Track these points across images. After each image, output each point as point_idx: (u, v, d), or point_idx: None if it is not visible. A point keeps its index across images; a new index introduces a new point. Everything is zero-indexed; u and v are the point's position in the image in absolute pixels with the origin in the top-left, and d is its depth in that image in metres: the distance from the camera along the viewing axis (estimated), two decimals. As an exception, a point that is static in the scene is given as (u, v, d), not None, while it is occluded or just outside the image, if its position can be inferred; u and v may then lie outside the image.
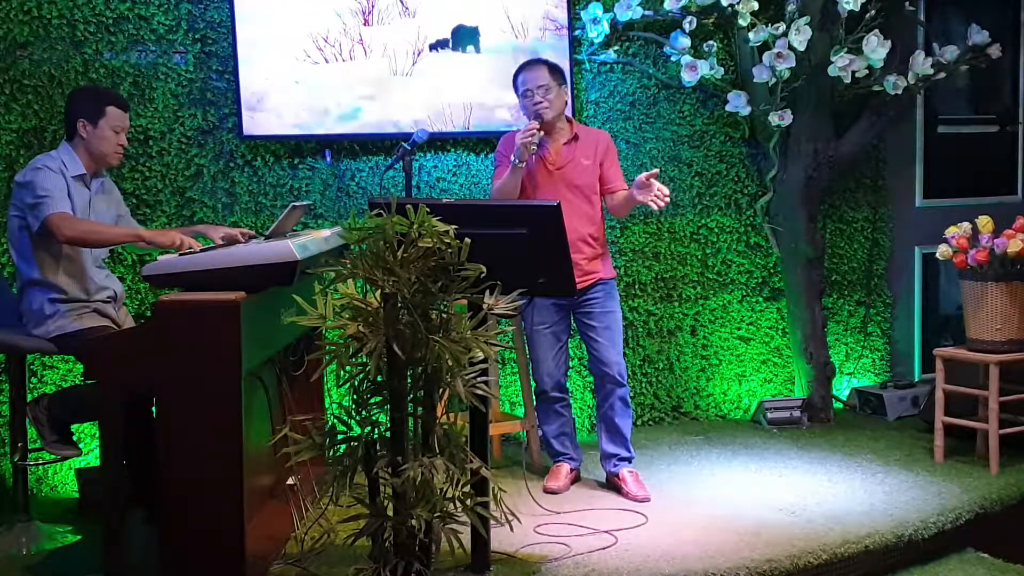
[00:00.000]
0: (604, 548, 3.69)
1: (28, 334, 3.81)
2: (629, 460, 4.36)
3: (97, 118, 3.83)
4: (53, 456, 3.86)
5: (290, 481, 3.76)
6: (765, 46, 5.09)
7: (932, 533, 3.98)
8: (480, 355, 3.14)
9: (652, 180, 4.04)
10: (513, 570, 3.50)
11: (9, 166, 4.40)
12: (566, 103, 4.38)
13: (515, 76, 4.32)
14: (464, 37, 4.97)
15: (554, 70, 4.29)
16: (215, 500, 3.14)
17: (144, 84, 4.62)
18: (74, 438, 3.92)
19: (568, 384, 4.45)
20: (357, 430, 3.16)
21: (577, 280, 4.03)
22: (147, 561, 3.40)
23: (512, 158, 4.18)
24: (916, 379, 5.94)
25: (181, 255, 3.41)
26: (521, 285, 3.30)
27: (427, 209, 3.05)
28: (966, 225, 4.73)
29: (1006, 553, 4.10)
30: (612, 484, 4.36)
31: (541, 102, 4.22)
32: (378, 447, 3.15)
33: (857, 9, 5.04)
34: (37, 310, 3.78)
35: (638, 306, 5.44)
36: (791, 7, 5.18)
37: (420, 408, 3.18)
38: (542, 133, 4.21)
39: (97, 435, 4.17)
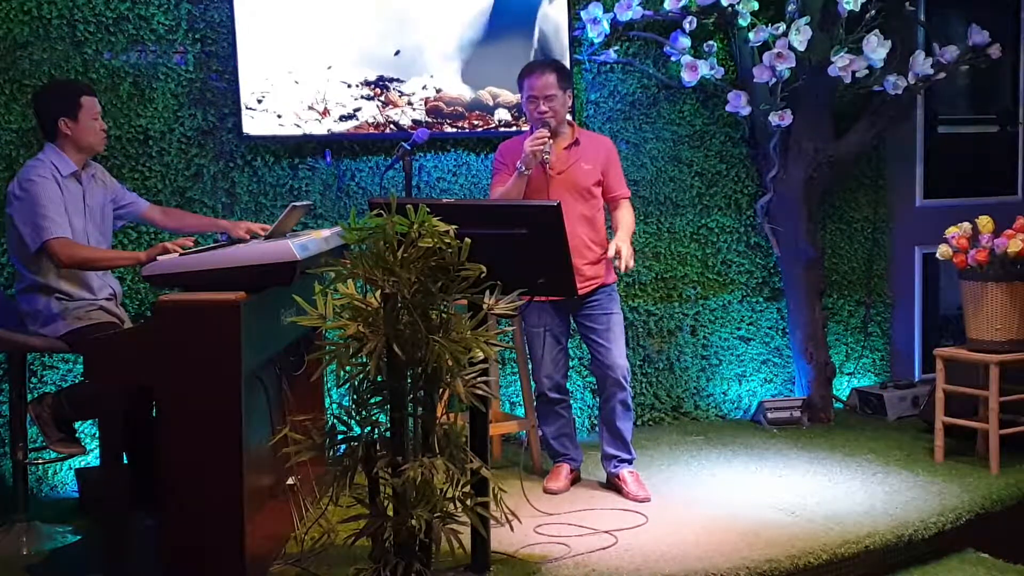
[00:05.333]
0: (604, 548, 3.69)
1: (35, 334, 3.81)
2: (630, 462, 4.36)
3: (76, 112, 3.83)
4: (57, 455, 3.87)
5: (290, 481, 3.76)
6: (765, 46, 5.09)
7: (932, 533, 3.98)
8: (480, 355, 3.13)
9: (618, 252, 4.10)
10: (513, 570, 3.50)
11: (9, 166, 4.39)
12: (569, 107, 4.37)
13: (521, 78, 4.26)
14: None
15: (561, 75, 4.24)
16: (215, 500, 3.14)
17: (144, 84, 4.62)
18: (77, 435, 3.93)
19: (568, 385, 4.45)
20: (357, 430, 3.16)
21: (579, 285, 4.03)
22: (147, 561, 3.40)
23: (519, 164, 4.13)
24: (916, 379, 5.94)
25: (181, 255, 3.41)
26: (521, 285, 3.30)
27: (427, 209, 3.05)
28: (966, 225, 4.73)
29: (1006, 553, 4.10)
30: (612, 484, 4.36)
31: (546, 111, 4.18)
32: (378, 447, 3.15)
33: (857, 9, 5.04)
34: (44, 310, 3.79)
35: (638, 306, 5.44)
36: (791, 7, 5.18)
37: (420, 408, 3.18)
38: (551, 141, 4.18)
39: (97, 435, 4.18)
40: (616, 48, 5.31)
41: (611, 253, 4.11)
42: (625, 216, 4.35)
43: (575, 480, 4.46)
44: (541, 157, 4.12)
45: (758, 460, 4.82)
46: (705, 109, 5.50)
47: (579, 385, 5.27)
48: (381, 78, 4.90)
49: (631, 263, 4.10)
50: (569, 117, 4.43)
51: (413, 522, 3.05)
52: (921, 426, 5.27)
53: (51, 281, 3.79)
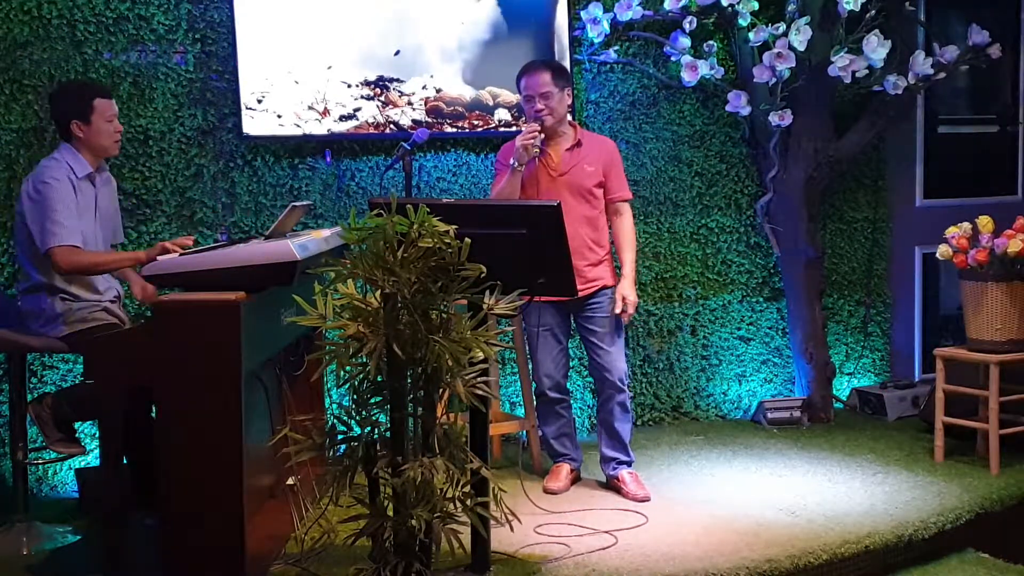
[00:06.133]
0: (604, 548, 3.69)
1: (36, 334, 3.81)
2: (629, 464, 4.36)
3: (88, 115, 3.83)
4: (56, 455, 3.87)
5: (290, 481, 3.76)
6: (765, 46, 5.09)
7: (932, 533, 3.98)
8: (480, 355, 3.13)
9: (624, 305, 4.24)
10: (513, 570, 3.50)
11: (9, 166, 4.40)
12: (569, 107, 4.37)
13: (518, 78, 4.29)
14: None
15: (557, 74, 4.25)
16: (215, 500, 3.14)
17: (144, 84, 4.62)
18: (77, 435, 3.93)
19: (568, 384, 4.44)
20: (357, 430, 3.16)
21: (580, 287, 4.03)
22: (147, 561, 3.40)
23: (511, 161, 4.15)
24: (916, 379, 5.94)
25: (181, 255, 3.41)
26: (521, 285, 3.30)
27: (427, 209, 3.05)
28: (966, 225, 4.73)
29: (1006, 553, 4.10)
30: (612, 485, 4.36)
31: (542, 109, 4.20)
32: (378, 447, 3.15)
33: (857, 9, 5.04)
34: (47, 310, 3.79)
35: (638, 306, 5.43)
36: (791, 7, 5.18)
37: (420, 408, 3.18)
38: (542, 136, 4.19)
39: (97, 435, 4.18)
40: (616, 48, 5.31)
41: (618, 309, 4.22)
42: (626, 235, 4.34)
43: (575, 480, 4.46)
44: (533, 152, 4.14)
45: (758, 460, 4.82)
46: (705, 109, 5.50)
47: (579, 385, 5.27)
48: (381, 78, 4.90)
49: (632, 311, 4.26)
50: (571, 118, 4.43)
51: (413, 522, 3.05)
52: (921, 426, 5.27)
53: (57, 281, 3.79)
